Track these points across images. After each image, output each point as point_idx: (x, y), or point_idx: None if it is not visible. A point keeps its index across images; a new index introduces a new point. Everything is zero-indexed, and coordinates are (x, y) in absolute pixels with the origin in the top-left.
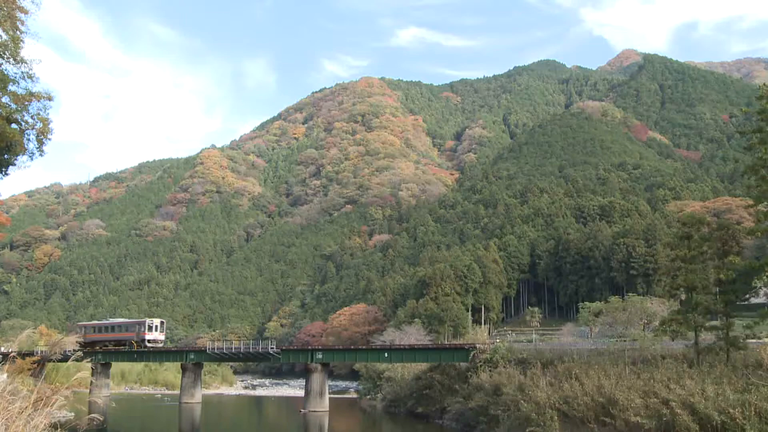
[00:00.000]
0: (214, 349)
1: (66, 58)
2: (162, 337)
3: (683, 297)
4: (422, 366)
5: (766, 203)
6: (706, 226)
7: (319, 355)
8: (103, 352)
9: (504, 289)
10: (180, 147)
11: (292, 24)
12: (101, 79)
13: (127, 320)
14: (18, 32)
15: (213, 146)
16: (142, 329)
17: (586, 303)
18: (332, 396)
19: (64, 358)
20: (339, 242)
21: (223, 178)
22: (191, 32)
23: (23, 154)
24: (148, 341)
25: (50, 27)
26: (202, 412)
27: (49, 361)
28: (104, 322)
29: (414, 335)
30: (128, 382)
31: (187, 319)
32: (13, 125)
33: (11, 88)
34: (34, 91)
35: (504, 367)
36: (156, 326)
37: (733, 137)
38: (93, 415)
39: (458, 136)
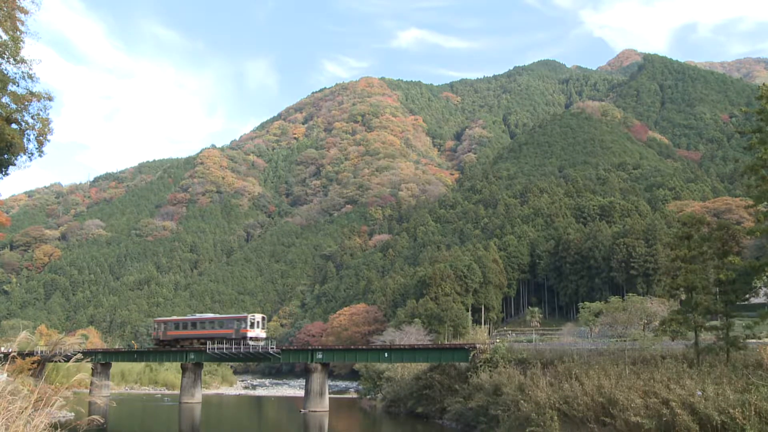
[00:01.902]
0: (214, 349)
1: (68, 60)
2: (264, 334)
3: (683, 297)
4: (422, 366)
5: (766, 203)
6: (706, 226)
7: (319, 355)
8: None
9: (504, 289)
10: (181, 148)
11: (294, 26)
12: (103, 80)
13: (221, 315)
14: (18, 32)
15: (213, 146)
16: (243, 325)
17: (586, 303)
18: (332, 396)
19: (65, 359)
20: (339, 242)
21: (223, 178)
22: (193, 34)
23: (23, 154)
24: (251, 338)
25: (52, 28)
26: (202, 412)
27: (50, 361)
28: (191, 317)
29: (414, 335)
30: (128, 382)
31: None
32: (13, 125)
33: (11, 88)
34: (34, 91)
35: (504, 367)
36: (258, 322)
37: (733, 137)
38: (93, 416)
39: (458, 136)
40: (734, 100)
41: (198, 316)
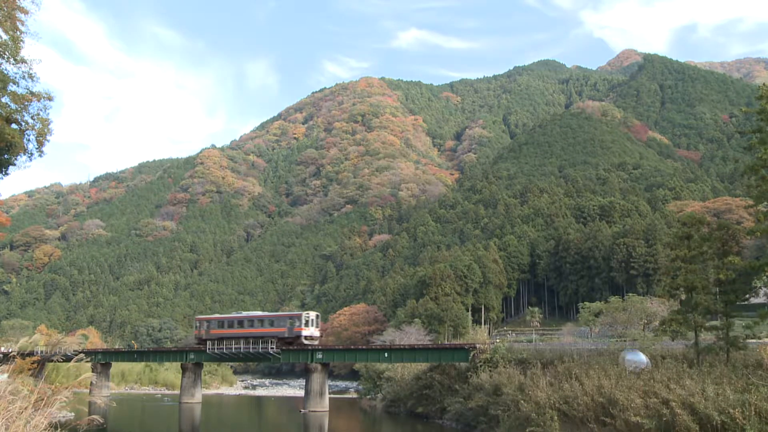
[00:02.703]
0: (214, 349)
1: (69, 60)
2: (318, 333)
3: (683, 297)
4: (422, 366)
5: (766, 203)
6: (706, 226)
7: (319, 355)
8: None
9: (504, 289)
10: (181, 148)
11: (294, 26)
12: (104, 81)
13: (272, 313)
14: (18, 32)
15: (213, 146)
16: (297, 324)
17: (586, 303)
18: (332, 396)
19: (65, 358)
20: (339, 242)
21: (223, 178)
22: (194, 34)
23: (23, 154)
24: (305, 338)
25: (53, 28)
26: (202, 412)
27: (50, 361)
28: (237, 315)
29: (414, 335)
30: (128, 382)
31: (187, 319)
32: (13, 125)
33: (11, 88)
34: (34, 91)
35: (504, 367)
36: (312, 320)
37: (733, 137)
38: (93, 416)
39: (458, 136)
40: (734, 100)
41: (245, 313)
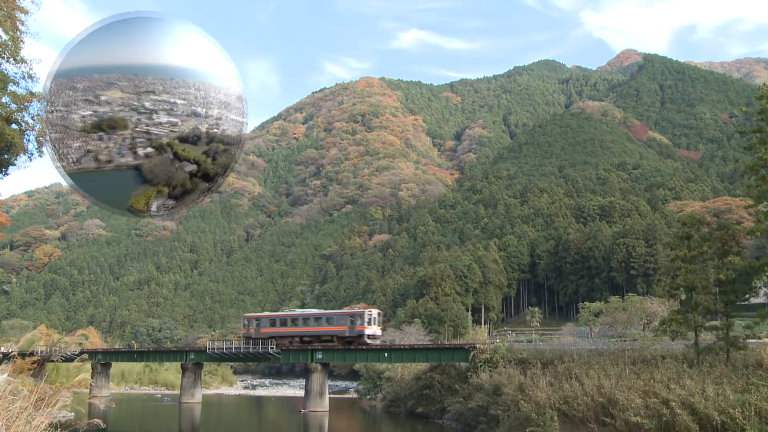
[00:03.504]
0: (214, 349)
1: None
2: (380, 332)
3: (683, 297)
4: (422, 366)
5: (766, 203)
6: (706, 226)
7: (319, 355)
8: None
9: (504, 289)
10: None
11: (294, 26)
12: None
13: (331, 311)
14: (18, 32)
15: None
16: (360, 322)
17: (586, 303)
18: (332, 396)
19: (64, 358)
20: (339, 242)
21: None
22: None
23: (23, 155)
24: (368, 336)
25: (54, 29)
26: (202, 412)
27: (50, 361)
28: (290, 312)
29: (414, 335)
30: (128, 382)
31: (187, 319)
32: (13, 125)
33: (11, 88)
34: (34, 91)
35: (504, 367)
36: (374, 318)
37: (733, 137)
38: (94, 419)
39: (458, 136)
40: (734, 100)
41: (299, 311)
